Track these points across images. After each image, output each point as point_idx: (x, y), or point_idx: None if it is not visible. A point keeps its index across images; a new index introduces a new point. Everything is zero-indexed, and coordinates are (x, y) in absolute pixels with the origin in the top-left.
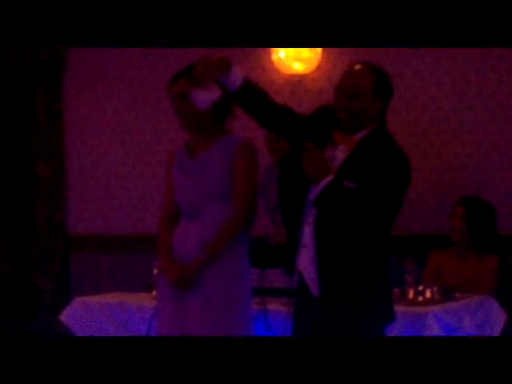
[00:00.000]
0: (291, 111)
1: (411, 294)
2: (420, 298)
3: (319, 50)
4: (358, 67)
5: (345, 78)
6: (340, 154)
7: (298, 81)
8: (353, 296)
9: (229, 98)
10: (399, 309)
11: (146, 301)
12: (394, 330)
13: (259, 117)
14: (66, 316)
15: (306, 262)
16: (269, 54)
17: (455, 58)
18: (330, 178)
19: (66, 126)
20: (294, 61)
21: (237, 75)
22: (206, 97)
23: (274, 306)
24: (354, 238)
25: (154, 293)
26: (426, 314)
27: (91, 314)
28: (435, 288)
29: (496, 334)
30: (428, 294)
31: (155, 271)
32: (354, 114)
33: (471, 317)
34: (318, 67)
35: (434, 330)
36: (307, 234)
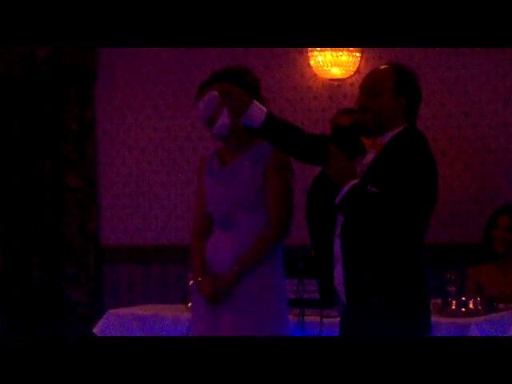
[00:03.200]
0: (324, 137)
1: (454, 304)
2: (463, 309)
3: (357, 54)
4: (379, 67)
5: (366, 78)
6: (368, 158)
7: (336, 85)
8: (382, 308)
9: (254, 134)
10: (442, 320)
11: (181, 313)
12: None
13: (290, 149)
14: (99, 329)
15: (339, 274)
16: (307, 59)
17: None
18: (354, 181)
19: (98, 134)
20: (332, 65)
21: (258, 111)
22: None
23: (312, 318)
24: (380, 246)
25: (190, 304)
26: (469, 325)
27: (125, 326)
28: (478, 299)
29: None
30: (471, 304)
31: (190, 282)
32: (373, 112)
33: None
34: (357, 71)
35: None
36: (337, 246)
